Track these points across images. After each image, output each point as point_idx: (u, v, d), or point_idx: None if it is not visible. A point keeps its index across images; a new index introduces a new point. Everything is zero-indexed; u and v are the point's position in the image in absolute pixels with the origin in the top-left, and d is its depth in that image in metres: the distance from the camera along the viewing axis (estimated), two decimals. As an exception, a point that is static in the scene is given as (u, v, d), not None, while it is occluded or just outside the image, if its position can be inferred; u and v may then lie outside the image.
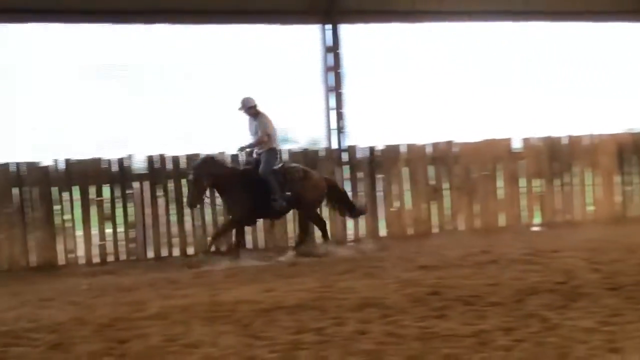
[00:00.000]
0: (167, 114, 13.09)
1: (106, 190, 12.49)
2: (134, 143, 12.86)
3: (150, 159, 12.60)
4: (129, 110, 12.80)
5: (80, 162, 12.39)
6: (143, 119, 12.84)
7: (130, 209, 12.55)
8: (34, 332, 7.31)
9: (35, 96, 12.55)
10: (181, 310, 8.00)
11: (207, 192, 11.98)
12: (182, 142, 12.96)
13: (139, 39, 12.95)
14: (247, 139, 12.17)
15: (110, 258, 12.40)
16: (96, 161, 12.46)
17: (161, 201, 12.70)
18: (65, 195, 12.34)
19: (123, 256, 12.45)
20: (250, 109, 12.05)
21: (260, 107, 12.11)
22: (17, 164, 12.12)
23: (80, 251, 12.37)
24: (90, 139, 12.74)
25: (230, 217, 12.07)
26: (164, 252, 12.65)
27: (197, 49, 13.30)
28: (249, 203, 11.74)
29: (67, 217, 12.35)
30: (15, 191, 12.14)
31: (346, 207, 12.80)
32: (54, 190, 12.30)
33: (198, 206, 12.16)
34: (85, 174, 12.38)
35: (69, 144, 12.71)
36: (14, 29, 12.59)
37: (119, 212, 12.46)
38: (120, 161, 12.54)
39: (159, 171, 12.69)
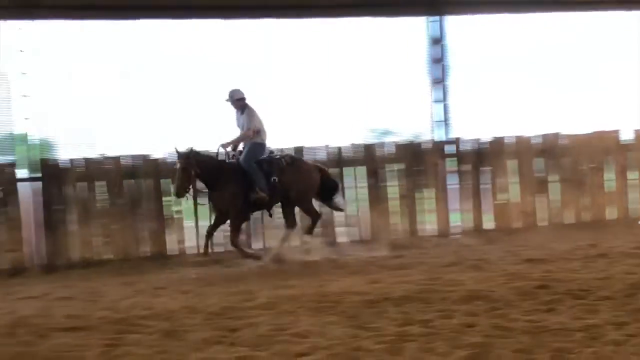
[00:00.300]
0: (273, 108, 13.22)
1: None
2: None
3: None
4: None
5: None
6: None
7: (238, 200, 12.76)
8: (147, 319, 7.55)
9: (147, 92, 12.84)
10: (288, 300, 8.13)
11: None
12: (288, 135, 13.09)
13: (245, 35, 13.14)
14: (234, 133, 11.85)
15: (219, 248, 12.63)
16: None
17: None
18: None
19: (230, 246, 12.64)
20: (237, 101, 11.65)
21: (249, 101, 11.69)
22: (131, 156, 12.49)
23: (190, 241, 12.64)
24: (202, 133, 12.95)
25: (231, 217, 11.48)
26: (271, 243, 12.79)
27: (301, 43, 13.40)
28: (241, 195, 11.33)
29: (177, 208, 12.66)
30: (127, 183, 12.51)
31: (329, 196, 12.15)
32: (164, 182, 12.60)
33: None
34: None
35: (180, 137, 12.95)
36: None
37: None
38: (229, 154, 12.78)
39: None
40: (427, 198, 13.28)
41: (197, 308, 7.99)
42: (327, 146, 13.07)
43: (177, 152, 11.17)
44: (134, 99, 12.71)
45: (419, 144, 13.58)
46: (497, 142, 13.61)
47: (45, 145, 12.98)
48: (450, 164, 13.58)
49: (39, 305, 8.82)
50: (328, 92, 13.14)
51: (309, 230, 11.91)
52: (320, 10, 13.30)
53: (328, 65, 13.26)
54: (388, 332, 6.49)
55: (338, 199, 12.36)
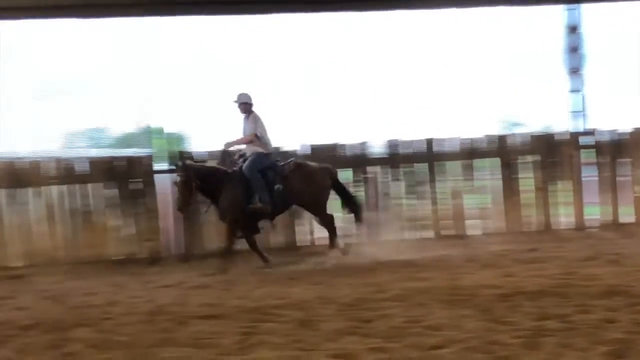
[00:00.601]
0: (403, 100, 13.21)
1: (345, 174, 12.77)
2: (371, 128, 13.10)
3: (389, 144, 12.82)
4: (369, 96, 13.02)
5: (321, 148, 12.78)
6: (380, 105, 13.03)
7: (367, 192, 12.79)
8: (281, 308, 7.67)
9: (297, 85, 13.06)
10: (420, 292, 8.09)
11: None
12: (419, 127, 13.06)
13: (383, 26, 13.18)
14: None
15: (349, 240, 12.65)
16: (336, 146, 12.83)
17: (398, 184, 12.85)
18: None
19: (361, 238, 12.66)
20: (242, 105, 11.28)
21: (255, 107, 11.32)
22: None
23: (320, 233, 12.70)
24: (328, 125, 13.07)
25: (227, 219, 11.08)
26: (401, 235, 12.76)
27: (432, 34, 13.33)
28: (241, 204, 10.97)
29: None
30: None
31: (346, 200, 11.77)
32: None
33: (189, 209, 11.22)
34: (326, 159, 12.70)
35: (311, 130, 13.11)
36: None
37: (359, 195, 12.69)
38: (358, 146, 12.85)
39: (397, 155, 12.87)
40: (562, 190, 12.96)
41: (329, 298, 8.06)
42: (458, 137, 12.94)
43: (176, 165, 11.06)
44: (268, 93, 12.92)
45: (553, 135, 13.26)
46: (637, 133, 13.14)
47: (181, 138, 13.38)
48: (586, 156, 13.19)
49: (176, 294, 9.11)
50: (461, 83, 13.03)
51: (331, 242, 11.46)
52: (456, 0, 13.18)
53: (463, 56, 13.13)
54: (524, 327, 6.38)
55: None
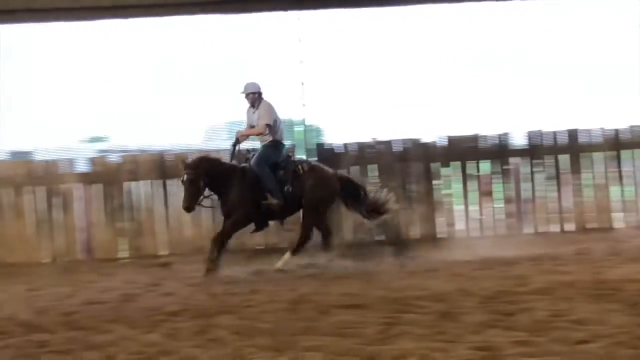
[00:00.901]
0: (545, 91, 12.99)
1: (485, 166, 12.68)
2: (511, 119, 12.94)
3: (530, 135, 12.62)
4: (507, 87, 12.86)
5: (460, 139, 12.70)
6: (522, 96, 12.84)
7: (508, 185, 12.63)
8: (422, 300, 7.65)
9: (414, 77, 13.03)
10: (564, 286, 7.95)
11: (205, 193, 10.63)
12: (560, 118, 12.82)
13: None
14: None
15: (489, 232, 12.57)
16: (476, 138, 12.71)
17: (539, 176, 12.64)
18: (445, 170, 12.72)
19: (501, 231, 12.55)
20: (250, 95, 10.86)
21: (264, 95, 10.88)
22: (402, 140, 12.70)
23: (460, 225, 12.67)
24: (469, 116, 12.98)
25: (234, 217, 10.59)
26: (542, 228, 12.57)
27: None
28: (251, 202, 10.53)
29: (447, 191, 12.71)
30: (398, 167, 12.72)
31: (359, 205, 11.13)
32: (434, 165, 12.71)
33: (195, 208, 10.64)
34: (464, 150, 12.66)
35: (447, 121, 13.04)
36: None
37: (498, 187, 12.57)
38: (499, 137, 12.69)
39: (538, 147, 12.65)
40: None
41: (470, 291, 8.00)
42: (602, 128, 12.60)
43: (184, 162, 10.59)
44: (402, 85, 12.93)
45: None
46: None
47: (319, 130, 13.55)
48: None
49: (317, 283, 9.26)
50: (602, 72, 12.71)
51: (325, 245, 11.03)
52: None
53: (605, 45, 12.81)
54: (676, 323, 6.18)
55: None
